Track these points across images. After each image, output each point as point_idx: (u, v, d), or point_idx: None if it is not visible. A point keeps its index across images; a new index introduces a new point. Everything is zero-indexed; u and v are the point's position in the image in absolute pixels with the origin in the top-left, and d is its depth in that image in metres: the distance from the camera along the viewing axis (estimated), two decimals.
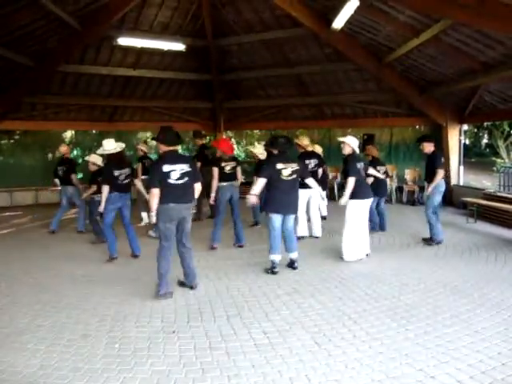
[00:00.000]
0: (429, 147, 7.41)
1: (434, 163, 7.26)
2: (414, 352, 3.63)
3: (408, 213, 10.72)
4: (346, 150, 6.55)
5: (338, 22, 8.96)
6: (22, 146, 13.76)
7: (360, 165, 6.54)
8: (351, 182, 6.31)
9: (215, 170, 7.10)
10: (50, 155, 14.02)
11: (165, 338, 3.99)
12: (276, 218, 5.90)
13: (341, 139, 6.72)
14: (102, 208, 6.54)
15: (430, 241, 7.41)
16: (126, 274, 5.86)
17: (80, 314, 4.55)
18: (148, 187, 5.23)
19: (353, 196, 6.37)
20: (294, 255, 6.09)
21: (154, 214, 4.99)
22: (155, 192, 4.90)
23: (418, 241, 7.63)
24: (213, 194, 7.15)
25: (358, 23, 9.64)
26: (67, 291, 5.28)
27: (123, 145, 6.95)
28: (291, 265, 6.11)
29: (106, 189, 6.46)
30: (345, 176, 6.52)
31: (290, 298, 4.97)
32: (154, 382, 3.26)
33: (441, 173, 7.17)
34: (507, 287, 5.18)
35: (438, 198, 7.28)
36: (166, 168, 4.93)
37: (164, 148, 5.14)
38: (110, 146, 6.69)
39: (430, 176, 7.31)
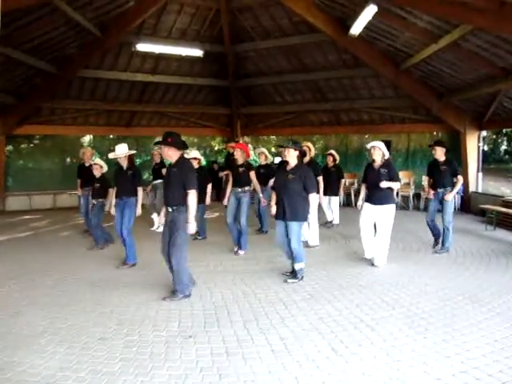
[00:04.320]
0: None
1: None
2: (432, 360, 3.59)
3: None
4: (379, 156, 6.35)
5: (356, 28, 8.99)
6: (41, 150, 14.00)
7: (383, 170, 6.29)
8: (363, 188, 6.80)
9: (254, 175, 7.35)
10: (68, 159, 14.24)
11: (182, 342, 4.00)
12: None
13: (371, 144, 6.46)
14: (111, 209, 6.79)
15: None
16: (143, 279, 5.89)
17: (97, 318, 4.59)
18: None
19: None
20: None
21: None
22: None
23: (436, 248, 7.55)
24: (260, 195, 7.71)
25: (376, 29, 9.62)
26: (85, 294, 5.33)
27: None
28: None
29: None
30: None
31: (306, 304, 4.96)
32: None
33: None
34: None
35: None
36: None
37: (176, 152, 4.92)
38: (121, 150, 6.60)
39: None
